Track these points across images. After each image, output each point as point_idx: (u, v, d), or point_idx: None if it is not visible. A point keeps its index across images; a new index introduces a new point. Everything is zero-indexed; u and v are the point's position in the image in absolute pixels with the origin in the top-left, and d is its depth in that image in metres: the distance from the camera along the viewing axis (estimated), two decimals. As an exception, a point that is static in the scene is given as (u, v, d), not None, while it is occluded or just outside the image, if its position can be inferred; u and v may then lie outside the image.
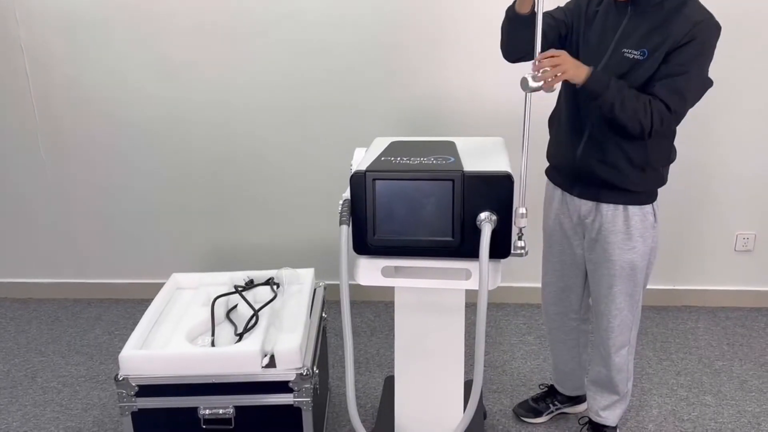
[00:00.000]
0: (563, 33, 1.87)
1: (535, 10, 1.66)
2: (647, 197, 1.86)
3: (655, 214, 1.89)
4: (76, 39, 2.89)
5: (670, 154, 1.87)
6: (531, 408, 2.34)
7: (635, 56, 1.71)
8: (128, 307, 3.21)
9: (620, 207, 1.86)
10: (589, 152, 1.84)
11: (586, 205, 1.91)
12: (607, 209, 1.87)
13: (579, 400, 2.33)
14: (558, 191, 1.99)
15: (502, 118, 2.87)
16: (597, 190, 1.87)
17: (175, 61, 2.89)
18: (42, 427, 2.34)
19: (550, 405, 2.32)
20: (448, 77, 2.84)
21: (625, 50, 1.73)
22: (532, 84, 1.60)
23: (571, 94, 1.87)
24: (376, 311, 3.11)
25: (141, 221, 3.17)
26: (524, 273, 3.14)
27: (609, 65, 1.75)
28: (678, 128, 1.85)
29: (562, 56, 1.65)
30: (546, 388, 2.38)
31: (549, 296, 2.16)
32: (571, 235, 1.99)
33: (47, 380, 2.63)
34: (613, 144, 1.80)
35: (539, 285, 3.20)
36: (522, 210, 1.63)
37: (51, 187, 3.14)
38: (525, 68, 1.69)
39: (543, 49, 1.74)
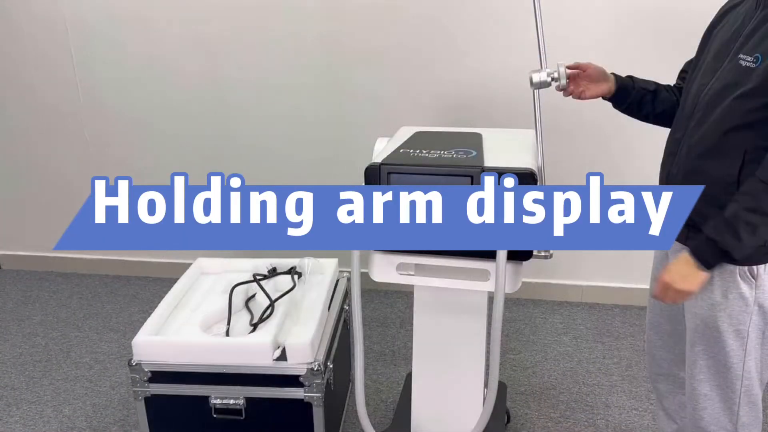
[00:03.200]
0: None
1: (535, 15, 1.54)
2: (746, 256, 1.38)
3: (754, 276, 1.40)
4: (118, 16, 2.91)
5: None
6: None
7: (748, 63, 1.34)
8: (164, 286, 3.24)
9: None
10: (676, 178, 1.48)
11: (676, 244, 1.54)
12: None
13: None
14: None
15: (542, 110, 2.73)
16: (683, 228, 1.45)
17: (212, 39, 2.87)
18: (71, 402, 2.39)
19: None
20: (489, 64, 2.72)
21: (741, 56, 1.37)
22: (537, 78, 1.58)
23: (684, 96, 1.54)
24: (408, 302, 3.04)
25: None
26: (563, 269, 3.01)
27: (722, 76, 1.40)
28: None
29: (667, 275, 1.40)
30: None
31: (655, 338, 1.78)
32: None
33: (81, 356, 2.68)
34: (700, 174, 1.42)
35: (579, 282, 3.11)
36: (546, 210, 1.53)
37: (95, 165, 3.19)
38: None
39: None
